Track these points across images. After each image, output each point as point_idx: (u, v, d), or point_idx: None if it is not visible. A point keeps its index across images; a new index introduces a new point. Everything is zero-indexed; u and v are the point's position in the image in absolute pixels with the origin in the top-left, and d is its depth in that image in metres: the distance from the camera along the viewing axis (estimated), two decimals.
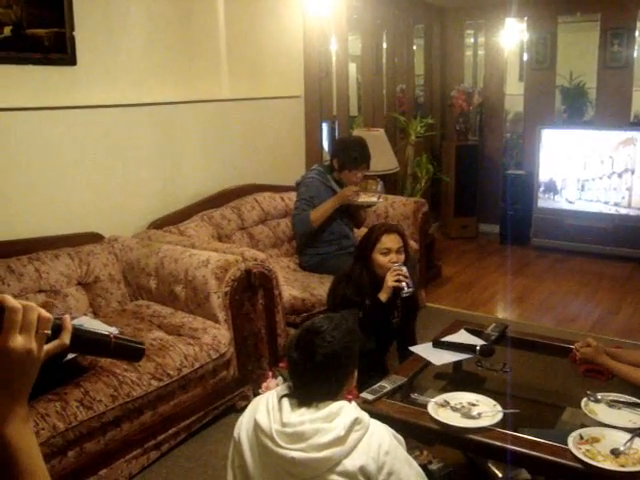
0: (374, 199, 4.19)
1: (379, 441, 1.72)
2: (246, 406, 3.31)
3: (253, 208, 4.42)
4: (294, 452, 1.69)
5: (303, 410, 1.76)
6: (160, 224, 3.92)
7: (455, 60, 7.30)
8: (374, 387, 2.46)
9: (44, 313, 0.88)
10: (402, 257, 3.11)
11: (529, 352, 3.11)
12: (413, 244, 4.56)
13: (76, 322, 0.97)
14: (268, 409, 1.79)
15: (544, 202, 6.44)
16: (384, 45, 6.30)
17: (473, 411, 2.31)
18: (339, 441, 1.68)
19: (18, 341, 0.84)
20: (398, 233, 3.15)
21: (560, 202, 6.39)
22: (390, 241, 3.09)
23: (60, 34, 3.38)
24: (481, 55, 7.29)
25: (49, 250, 3.29)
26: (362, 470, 1.68)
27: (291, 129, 5.10)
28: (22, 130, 3.28)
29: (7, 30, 3.16)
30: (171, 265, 3.36)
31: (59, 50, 3.40)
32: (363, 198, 4.16)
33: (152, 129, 3.98)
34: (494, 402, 2.37)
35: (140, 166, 3.92)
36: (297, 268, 4.25)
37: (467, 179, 6.93)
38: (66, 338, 0.92)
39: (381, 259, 3.08)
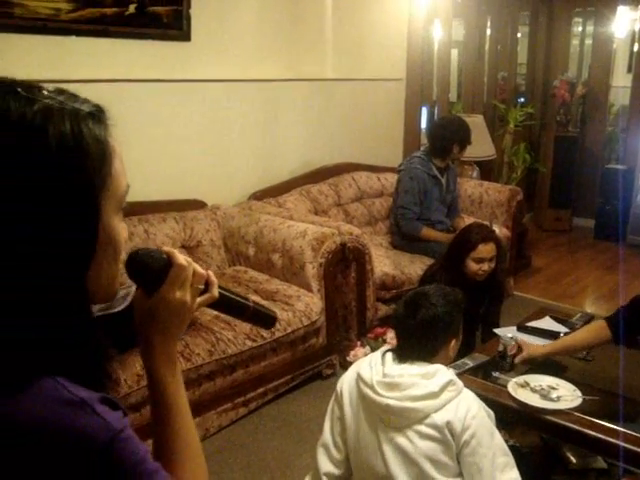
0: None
1: (468, 406, 1.84)
2: (332, 374, 3.52)
3: (350, 186, 4.54)
4: (390, 400, 1.83)
5: (404, 365, 1.91)
6: (260, 196, 4.10)
7: (560, 49, 7.12)
8: (457, 363, 2.54)
9: (199, 269, 0.95)
10: (493, 265, 3.16)
11: (614, 345, 3.08)
12: (505, 231, 4.58)
13: None
14: (371, 364, 1.94)
15: None
16: (488, 32, 6.26)
17: (552, 394, 2.34)
18: (432, 395, 1.81)
19: (177, 294, 0.91)
20: (494, 242, 3.18)
21: None
22: (486, 251, 3.12)
23: (178, 11, 3.56)
24: (588, 45, 7.07)
25: (157, 213, 3.52)
26: (449, 425, 1.80)
27: (391, 111, 5.16)
28: (140, 100, 3.50)
29: (132, 8, 3.37)
30: (270, 234, 3.53)
31: (176, 27, 3.58)
32: None
33: (258, 104, 4.14)
34: (574, 387, 2.38)
35: (244, 139, 4.09)
36: (389, 247, 4.34)
37: (564, 171, 6.78)
38: (215, 292, 0.98)
39: (473, 266, 3.13)
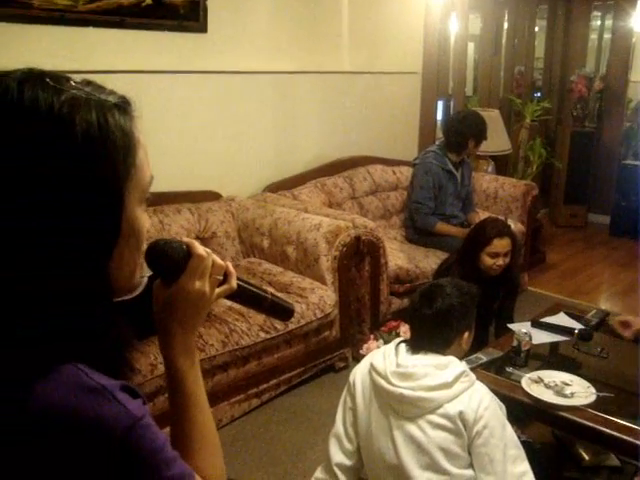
0: None
1: (480, 397, 1.86)
2: (344, 367, 3.53)
3: (365, 179, 4.54)
4: (404, 389, 1.85)
5: (417, 356, 1.93)
6: (275, 188, 4.11)
7: (578, 43, 7.05)
8: (470, 357, 2.53)
9: (218, 260, 0.95)
10: (508, 260, 3.16)
11: (629, 342, 3.06)
12: (520, 226, 4.56)
13: None
14: (384, 355, 1.96)
15: None
16: (505, 25, 6.21)
17: (566, 390, 2.33)
18: (445, 386, 1.83)
19: (196, 284, 0.92)
20: (509, 236, 3.18)
21: None
22: (501, 245, 3.13)
23: (194, 3, 3.56)
24: (606, 39, 7.01)
25: (172, 204, 3.53)
26: (461, 415, 1.82)
27: (407, 105, 5.15)
28: (156, 91, 3.50)
29: None
30: (284, 227, 3.53)
31: (192, 18, 3.58)
32: None
33: (274, 97, 4.14)
34: (588, 384, 2.37)
35: (260, 131, 4.10)
36: (404, 240, 4.35)
37: (580, 167, 6.73)
38: (234, 283, 0.98)
39: (488, 261, 3.13)
